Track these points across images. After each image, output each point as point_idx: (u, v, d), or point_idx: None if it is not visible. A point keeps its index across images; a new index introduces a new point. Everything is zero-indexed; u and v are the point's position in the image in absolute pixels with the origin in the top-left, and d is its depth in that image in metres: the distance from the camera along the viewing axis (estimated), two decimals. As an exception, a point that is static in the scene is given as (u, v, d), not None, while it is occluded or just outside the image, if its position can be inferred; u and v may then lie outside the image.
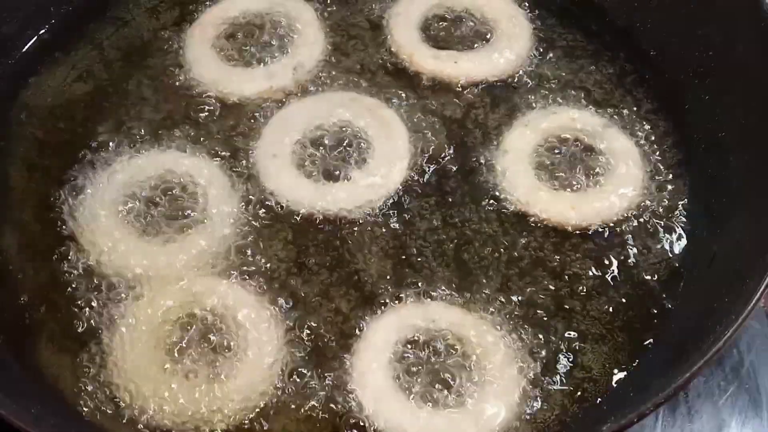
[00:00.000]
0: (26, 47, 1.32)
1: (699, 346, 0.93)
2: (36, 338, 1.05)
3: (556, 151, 1.20)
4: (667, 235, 1.14)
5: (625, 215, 1.15)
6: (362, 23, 1.35)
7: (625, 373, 1.03)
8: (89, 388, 1.01)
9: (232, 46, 1.31)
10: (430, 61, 1.29)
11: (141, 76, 1.29)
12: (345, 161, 1.19)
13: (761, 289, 0.94)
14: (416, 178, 1.18)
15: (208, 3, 1.36)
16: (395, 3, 1.36)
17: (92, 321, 1.05)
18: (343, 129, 1.22)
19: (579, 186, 1.17)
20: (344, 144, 1.21)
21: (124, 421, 0.99)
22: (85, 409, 1.00)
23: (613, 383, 1.03)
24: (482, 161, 1.20)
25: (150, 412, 0.99)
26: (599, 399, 1.01)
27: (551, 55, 1.32)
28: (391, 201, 1.16)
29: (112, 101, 1.26)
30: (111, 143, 1.21)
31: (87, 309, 1.06)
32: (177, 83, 1.28)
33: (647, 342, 1.05)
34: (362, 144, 1.21)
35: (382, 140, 1.21)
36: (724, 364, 1.18)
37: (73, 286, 1.09)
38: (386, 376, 1.00)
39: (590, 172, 1.18)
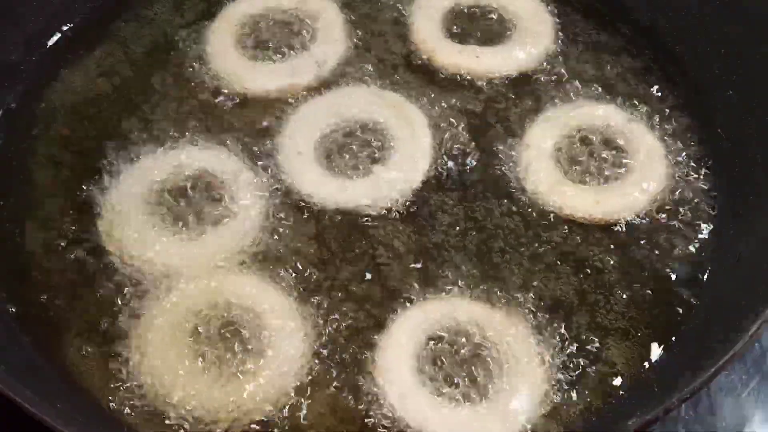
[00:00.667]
0: (50, 44, 1.33)
1: (723, 342, 0.93)
2: (62, 336, 1.06)
3: (580, 145, 1.19)
4: (692, 232, 1.13)
5: (649, 210, 1.14)
6: (385, 19, 1.36)
7: (649, 367, 1.03)
8: (117, 384, 1.01)
9: (255, 42, 1.32)
10: (452, 56, 1.29)
11: (164, 73, 1.30)
12: (368, 157, 1.20)
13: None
14: (439, 172, 1.19)
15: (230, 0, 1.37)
16: (417, -1, 1.35)
17: (119, 317, 1.06)
18: (366, 125, 1.22)
19: (602, 181, 1.16)
20: (367, 140, 1.21)
21: (152, 417, 0.99)
22: (112, 405, 1.00)
23: (638, 378, 1.02)
24: (504, 156, 1.20)
25: (177, 408, 0.99)
26: (623, 393, 1.01)
27: (574, 50, 1.32)
28: (413, 196, 1.16)
29: (136, 98, 1.27)
30: (136, 139, 1.21)
31: (113, 305, 1.07)
32: (200, 79, 1.29)
33: (671, 337, 1.05)
34: (385, 139, 1.21)
35: (405, 136, 1.21)
36: (746, 358, 1.17)
37: (100, 282, 1.09)
38: (411, 371, 1.00)
39: (614, 167, 1.17)
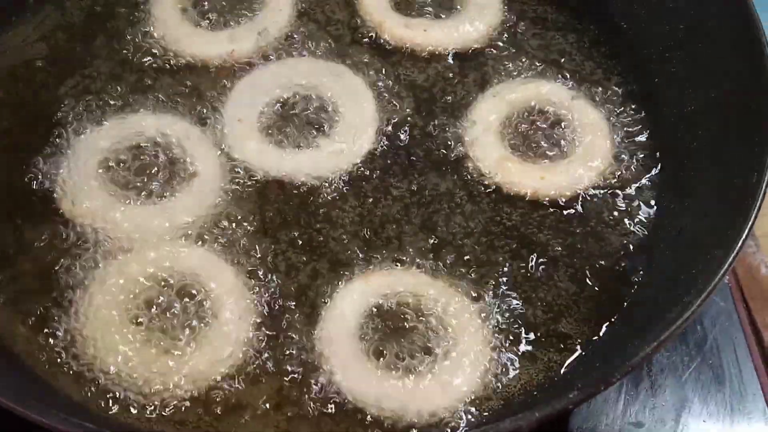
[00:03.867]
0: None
1: (665, 318, 0.93)
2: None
3: (525, 122, 1.19)
4: (635, 207, 1.13)
5: (594, 186, 1.14)
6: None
7: (593, 343, 1.03)
8: (51, 351, 0.99)
9: (200, 8, 1.29)
10: (399, 29, 1.27)
11: (104, 37, 1.27)
12: (311, 128, 1.18)
13: (728, 262, 0.94)
14: (384, 146, 1.18)
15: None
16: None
17: (58, 283, 1.04)
18: (310, 96, 1.21)
19: (548, 157, 1.16)
20: (310, 111, 1.20)
21: (85, 382, 0.98)
22: (45, 370, 0.98)
23: (581, 354, 1.02)
24: (451, 131, 1.19)
25: (112, 374, 0.98)
26: (566, 369, 1.01)
27: (522, 25, 1.31)
28: (358, 168, 1.15)
29: (74, 62, 1.24)
30: (75, 103, 1.18)
31: (54, 271, 1.05)
32: (141, 44, 1.26)
33: (615, 313, 1.05)
34: (329, 111, 1.20)
35: (349, 107, 1.20)
36: (688, 340, 1.19)
37: (41, 248, 1.07)
38: (354, 343, 1.00)
39: (559, 144, 1.17)
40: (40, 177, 1.12)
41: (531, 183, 1.14)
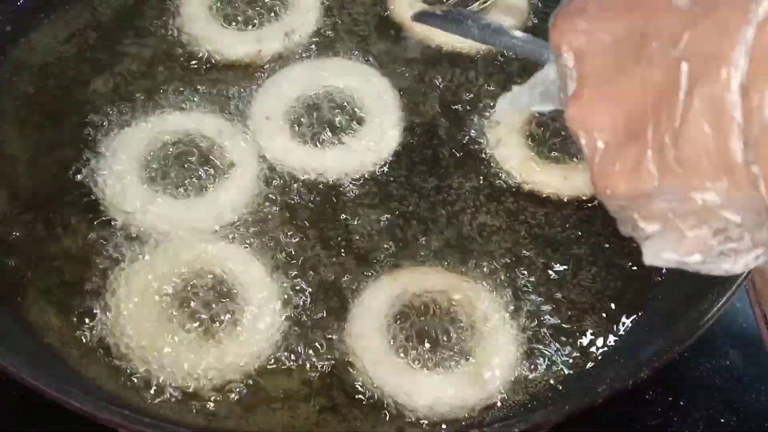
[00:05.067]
0: (17, 5, 1.30)
1: (689, 316, 0.95)
2: (31, 297, 1.05)
3: (549, 122, 1.20)
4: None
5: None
6: (361, -10, 1.35)
7: (617, 340, 1.04)
8: (84, 342, 1.01)
9: (227, 8, 1.31)
10: (426, 29, 1.28)
11: (133, 35, 1.28)
12: (338, 127, 1.19)
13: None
14: (410, 145, 1.19)
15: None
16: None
17: (92, 278, 1.05)
18: (336, 95, 1.22)
19: (571, 156, 1.17)
20: (337, 110, 1.21)
21: (118, 374, 0.99)
22: (77, 361, 1.00)
23: (605, 350, 1.04)
24: (475, 130, 1.20)
25: (145, 366, 0.99)
26: (591, 365, 1.02)
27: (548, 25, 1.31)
28: (383, 167, 1.17)
29: (104, 60, 1.25)
30: (106, 100, 1.20)
31: (88, 264, 1.06)
32: (170, 43, 1.27)
33: (639, 311, 1.07)
34: (355, 110, 1.21)
35: (375, 107, 1.21)
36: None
37: (75, 241, 1.08)
38: (382, 339, 1.01)
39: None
40: (73, 172, 1.13)
41: (554, 182, 1.15)
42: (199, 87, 1.23)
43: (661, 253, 0.66)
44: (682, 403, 1.15)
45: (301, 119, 1.20)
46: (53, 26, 1.29)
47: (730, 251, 0.64)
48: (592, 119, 0.66)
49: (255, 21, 1.30)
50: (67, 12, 1.31)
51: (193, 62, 1.26)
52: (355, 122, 1.20)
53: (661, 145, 0.61)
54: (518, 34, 0.98)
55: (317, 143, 1.18)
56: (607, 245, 1.11)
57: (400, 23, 1.30)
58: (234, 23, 1.30)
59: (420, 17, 1.13)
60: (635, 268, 1.10)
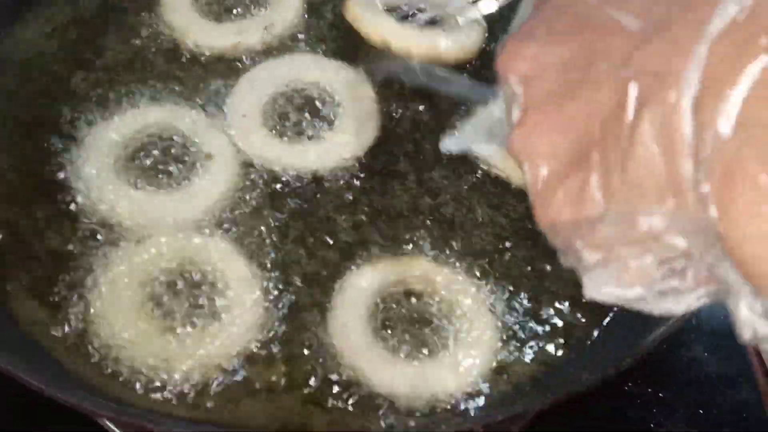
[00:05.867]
0: (-2, 0, 1.30)
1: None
2: (11, 288, 1.05)
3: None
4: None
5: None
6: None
7: (600, 330, 1.05)
8: (65, 334, 1.01)
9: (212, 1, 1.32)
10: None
11: (115, 29, 1.28)
12: (314, 121, 1.20)
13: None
14: (389, 138, 1.19)
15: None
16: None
17: (74, 273, 1.05)
18: (312, 90, 1.23)
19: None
20: (314, 104, 1.21)
21: (100, 367, 0.99)
22: (59, 353, 1.00)
23: (588, 340, 1.05)
24: (458, 125, 1.20)
25: (128, 359, 0.99)
26: (573, 355, 1.03)
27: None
28: (364, 160, 1.17)
29: (85, 54, 1.25)
30: (86, 95, 1.20)
31: (70, 258, 1.06)
32: (152, 35, 1.28)
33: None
34: (331, 104, 1.21)
35: (351, 101, 1.21)
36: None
37: (57, 235, 1.08)
38: (364, 328, 1.01)
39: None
40: (53, 166, 1.13)
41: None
42: (177, 81, 1.23)
43: (602, 286, 0.64)
44: (662, 395, 1.16)
45: (279, 114, 1.20)
46: (35, 21, 1.29)
47: (673, 290, 0.63)
48: (535, 146, 0.65)
49: (235, 13, 1.31)
50: (49, 7, 1.31)
51: (172, 55, 1.26)
52: (332, 116, 1.20)
53: (608, 168, 0.60)
54: (462, 78, 0.98)
55: (295, 137, 1.18)
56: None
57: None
58: (214, 15, 1.30)
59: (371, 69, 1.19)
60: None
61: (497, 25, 1.26)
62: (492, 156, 1.16)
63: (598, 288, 0.65)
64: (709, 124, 0.55)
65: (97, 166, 1.12)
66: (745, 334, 0.60)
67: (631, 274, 0.63)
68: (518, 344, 1.03)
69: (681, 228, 0.59)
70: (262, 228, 1.10)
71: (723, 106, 0.55)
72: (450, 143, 0.91)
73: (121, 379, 0.98)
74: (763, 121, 0.54)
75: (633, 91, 0.59)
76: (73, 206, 1.10)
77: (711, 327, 1.22)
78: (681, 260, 0.61)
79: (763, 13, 0.56)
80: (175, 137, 1.16)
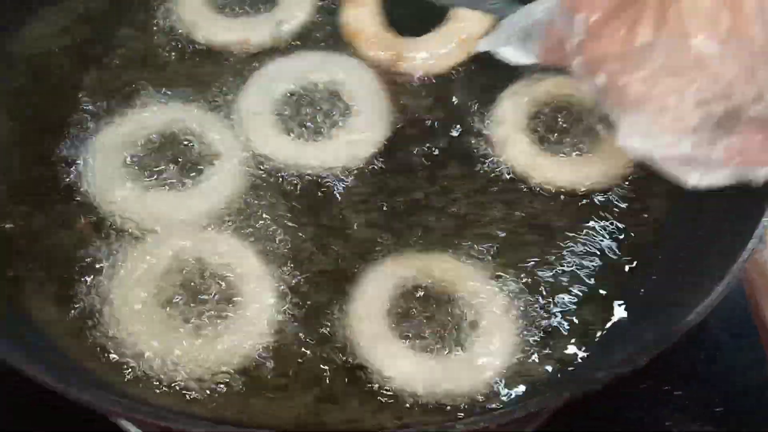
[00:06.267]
0: (9, -3, 1.30)
1: (687, 305, 0.95)
2: (25, 288, 1.05)
3: (549, 117, 1.20)
4: (653, 201, 1.14)
5: (621, 177, 1.15)
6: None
7: (613, 327, 1.05)
8: (83, 334, 1.01)
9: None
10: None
11: (126, 26, 1.28)
12: (327, 119, 1.19)
13: (745, 249, 0.96)
14: (401, 136, 1.19)
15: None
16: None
17: (85, 270, 1.05)
18: (323, 88, 1.22)
19: (573, 151, 1.17)
20: (326, 102, 1.21)
21: (117, 367, 0.99)
22: (78, 354, 1.00)
23: (602, 338, 1.04)
24: (472, 124, 1.20)
25: (141, 356, 0.99)
26: (588, 353, 1.03)
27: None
28: (377, 157, 1.16)
29: (96, 51, 1.25)
30: (96, 93, 1.20)
31: (81, 257, 1.06)
32: (163, 33, 1.28)
33: (636, 300, 1.07)
34: (344, 103, 1.21)
35: (365, 99, 1.21)
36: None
37: (68, 234, 1.08)
38: (382, 325, 1.01)
39: (584, 138, 1.18)
40: (63, 165, 1.13)
41: (550, 174, 1.15)
42: (187, 78, 1.23)
43: (636, 133, 0.66)
44: (676, 393, 1.15)
45: (290, 112, 1.20)
46: (46, 17, 1.29)
47: (702, 161, 0.63)
48: None
49: (246, 9, 1.30)
50: (61, 3, 1.30)
51: (183, 52, 1.26)
52: (344, 114, 1.19)
53: (662, 2, 0.61)
54: None
55: (307, 136, 1.17)
56: (605, 236, 1.11)
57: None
58: (225, 10, 1.30)
59: None
60: (630, 257, 1.10)
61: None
62: (508, 151, 1.16)
63: (632, 135, 0.66)
64: None
65: (107, 165, 1.12)
66: None
67: (668, 118, 0.64)
68: (534, 343, 1.02)
69: (733, 51, 0.60)
70: (276, 226, 1.09)
71: None
72: (485, 42, 0.89)
73: (136, 377, 0.98)
74: None
75: None
76: (83, 205, 1.10)
77: (722, 323, 1.22)
78: (720, 104, 0.61)
79: None
80: (185, 136, 1.15)
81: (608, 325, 1.05)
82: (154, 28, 1.28)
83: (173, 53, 1.25)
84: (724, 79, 0.61)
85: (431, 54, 1.26)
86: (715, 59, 0.60)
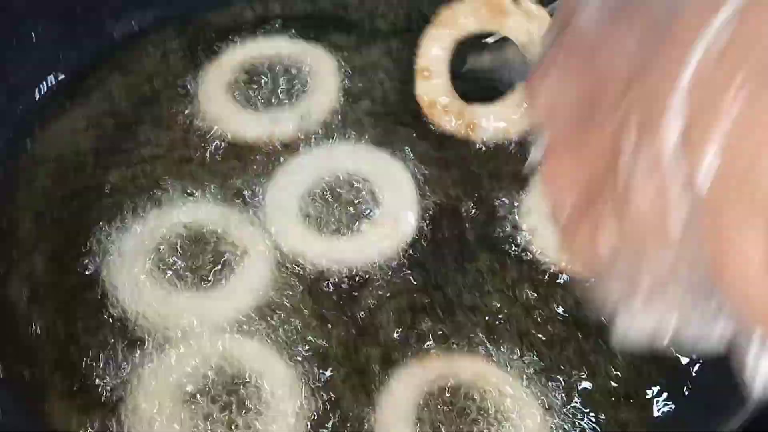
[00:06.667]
0: (34, 97, 1.30)
1: (727, 404, 0.92)
2: (49, 396, 1.03)
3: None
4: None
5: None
6: (379, 69, 1.35)
7: (655, 425, 1.02)
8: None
9: (247, 89, 1.30)
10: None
11: (150, 123, 1.28)
12: (354, 213, 1.17)
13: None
14: (430, 228, 1.17)
15: (216, 47, 1.36)
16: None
17: (110, 377, 1.03)
18: (350, 181, 1.20)
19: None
20: (352, 196, 1.19)
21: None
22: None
23: (644, 436, 1.01)
24: (501, 214, 1.18)
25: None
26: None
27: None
28: (404, 252, 1.14)
29: (121, 150, 1.24)
30: (122, 193, 1.19)
31: (104, 364, 1.04)
32: (187, 129, 1.27)
33: (675, 397, 1.04)
34: (370, 196, 1.19)
35: (392, 192, 1.19)
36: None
37: (90, 339, 1.06)
38: (411, 428, 0.98)
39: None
40: (87, 268, 1.11)
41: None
42: (212, 174, 1.21)
43: (635, 317, 0.63)
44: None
45: (316, 206, 1.18)
46: (71, 117, 1.29)
47: (703, 317, 0.61)
48: (557, 182, 0.65)
49: (272, 102, 1.29)
50: (87, 102, 1.31)
51: (208, 148, 1.24)
52: (371, 208, 1.18)
53: (616, 210, 0.60)
54: None
55: (333, 231, 1.16)
56: (641, 329, 1.08)
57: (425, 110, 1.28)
58: (250, 104, 1.29)
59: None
60: (669, 352, 1.07)
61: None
62: (541, 243, 1.14)
63: (632, 319, 0.63)
64: (695, 164, 0.53)
65: (131, 267, 1.10)
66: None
67: (661, 301, 0.61)
68: (570, 445, 0.99)
69: (689, 263, 0.57)
70: (301, 326, 1.07)
71: (706, 149, 0.53)
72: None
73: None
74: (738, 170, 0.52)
75: (626, 135, 0.58)
76: (108, 307, 1.08)
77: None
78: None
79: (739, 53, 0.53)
80: (210, 234, 1.14)
81: (648, 423, 1.02)
82: (178, 124, 1.27)
83: (198, 149, 1.24)
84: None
85: (503, 120, 1.25)
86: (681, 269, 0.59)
